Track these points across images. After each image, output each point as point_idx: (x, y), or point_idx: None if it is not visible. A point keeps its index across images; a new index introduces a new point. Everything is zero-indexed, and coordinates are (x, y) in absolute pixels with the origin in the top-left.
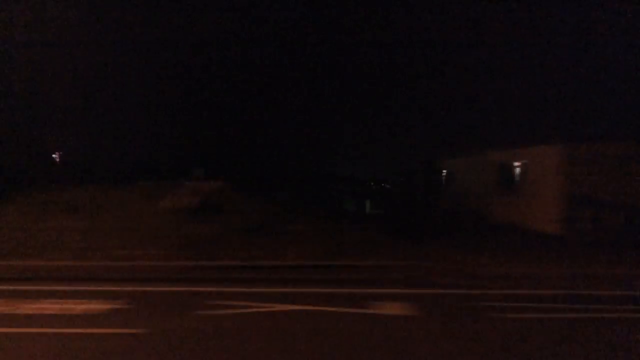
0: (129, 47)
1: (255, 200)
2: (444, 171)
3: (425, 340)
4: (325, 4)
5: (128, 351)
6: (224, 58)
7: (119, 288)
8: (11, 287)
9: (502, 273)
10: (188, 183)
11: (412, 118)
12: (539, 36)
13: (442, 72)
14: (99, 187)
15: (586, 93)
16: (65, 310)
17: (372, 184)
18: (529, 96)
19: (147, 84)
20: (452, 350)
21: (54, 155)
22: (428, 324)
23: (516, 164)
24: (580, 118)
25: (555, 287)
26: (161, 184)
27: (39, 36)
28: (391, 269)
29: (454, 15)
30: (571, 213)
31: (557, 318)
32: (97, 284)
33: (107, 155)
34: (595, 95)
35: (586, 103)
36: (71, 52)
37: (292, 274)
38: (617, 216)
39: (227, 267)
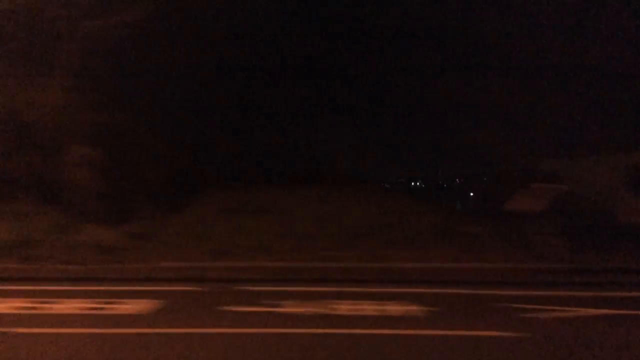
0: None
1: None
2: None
3: None
4: None
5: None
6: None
7: (407, 290)
8: (289, 288)
9: None
10: (534, 185)
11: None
12: None
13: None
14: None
15: None
16: (381, 312)
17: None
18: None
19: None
20: None
21: None
22: None
23: None
24: None
25: None
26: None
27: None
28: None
29: None
30: None
31: None
32: (384, 285)
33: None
34: None
35: None
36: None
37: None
38: None
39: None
